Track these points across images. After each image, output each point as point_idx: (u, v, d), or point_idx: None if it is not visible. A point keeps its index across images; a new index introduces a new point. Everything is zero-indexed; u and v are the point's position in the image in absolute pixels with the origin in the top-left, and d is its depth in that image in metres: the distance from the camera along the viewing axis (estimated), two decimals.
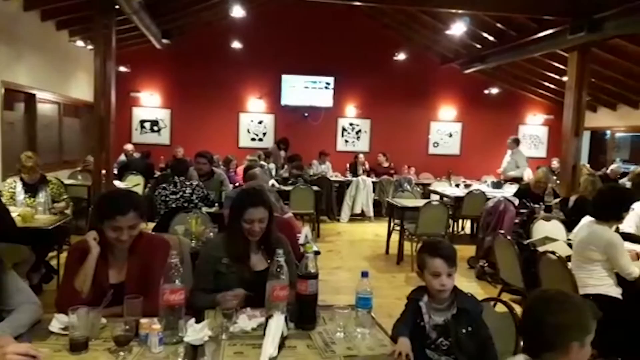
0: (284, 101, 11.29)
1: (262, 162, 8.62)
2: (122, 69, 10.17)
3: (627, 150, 13.45)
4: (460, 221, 8.64)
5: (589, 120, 9.02)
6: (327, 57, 10.95)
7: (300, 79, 11.23)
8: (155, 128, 11.43)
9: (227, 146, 10.71)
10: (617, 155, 12.39)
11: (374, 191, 9.77)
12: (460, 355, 2.02)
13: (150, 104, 11.34)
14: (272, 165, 9.37)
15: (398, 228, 6.82)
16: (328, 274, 5.75)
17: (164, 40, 9.64)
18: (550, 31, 7.26)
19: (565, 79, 7.57)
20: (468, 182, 9.43)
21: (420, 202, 6.82)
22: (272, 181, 7.79)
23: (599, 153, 12.38)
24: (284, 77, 11.17)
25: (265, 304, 2.12)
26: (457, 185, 9.10)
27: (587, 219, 3.59)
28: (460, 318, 2.06)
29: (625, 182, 7.61)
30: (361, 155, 10.90)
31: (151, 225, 4.57)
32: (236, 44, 10.56)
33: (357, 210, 9.64)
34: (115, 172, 8.02)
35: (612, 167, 9.21)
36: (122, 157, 9.73)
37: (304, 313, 2.13)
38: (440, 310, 2.10)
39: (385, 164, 11.00)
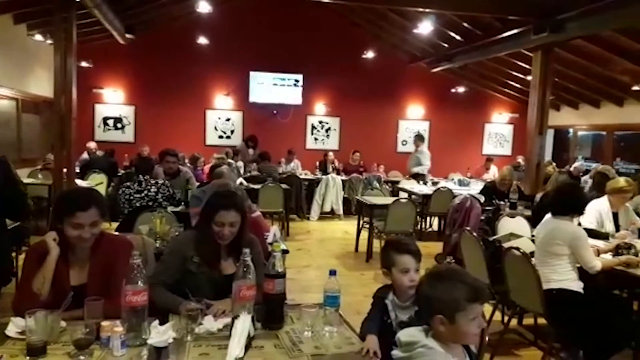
0: (252, 98, 11.19)
1: (230, 160, 8.52)
2: (84, 64, 9.91)
3: (588, 148, 13.85)
4: (428, 218, 8.75)
5: (552, 118, 9.27)
6: (296, 54, 10.91)
7: (268, 76, 11.14)
8: (119, 125, 11.16)
9: (193, 144, 10.55)
10: (580, 153, 12.76)
11: (343, 189, 9.79)
12: None
13: (113, 101, 11.07)
14: (240, 164, 9.27)
15: (367, 226, 6.85)
16: (297, 273, 5.73)
17: (128, 36, 9.41)
18: (515, 31, 7.40)
19: (529, 78, 7.74)
20: (436, 179, 9.55)
21: (389, 200, 6.86)
22: (240, 179, 7.71)
23: (562, 151, 12.73)
24: (252, 73, 11.07)
25: (232, 304, 2.09)
26: (425, 183, 9.21)
27: (550, 215, 3.67)
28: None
29: (587, 179, 7.84)
30: (331, 153, 10.90)
31: (115, 225, 4.46)
32: (203, 40, 10.42)
33: (327, 209, 9.64)
34: (77, 170, 7.82)
35: (575, 164, 9.47)
36: (85, 155, 9.49)
37: (271, 312, 2.12)
38: (406, 308, 2.12)
39: (356, 162, 11.04)
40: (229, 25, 10.51)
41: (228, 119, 11.52)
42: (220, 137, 11.49)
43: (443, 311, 1.63)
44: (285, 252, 3.53)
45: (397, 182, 10.04)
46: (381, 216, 6.60)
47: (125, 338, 1.81)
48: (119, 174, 8.66)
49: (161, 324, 1.83)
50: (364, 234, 6.95)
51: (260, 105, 11.25)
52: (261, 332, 2.04)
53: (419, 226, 8.20)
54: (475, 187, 8.06)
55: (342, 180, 9.85)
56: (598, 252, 3.62)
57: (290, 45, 10.82)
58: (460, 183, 9.14)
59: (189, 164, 8.09)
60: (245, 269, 2.07)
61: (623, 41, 7.17)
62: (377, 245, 6.66)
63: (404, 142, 12.41)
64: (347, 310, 2.60)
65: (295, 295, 4.60)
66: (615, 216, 4.58)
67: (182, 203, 5.03)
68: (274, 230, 3.55)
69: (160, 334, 1.73)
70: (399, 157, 12.11)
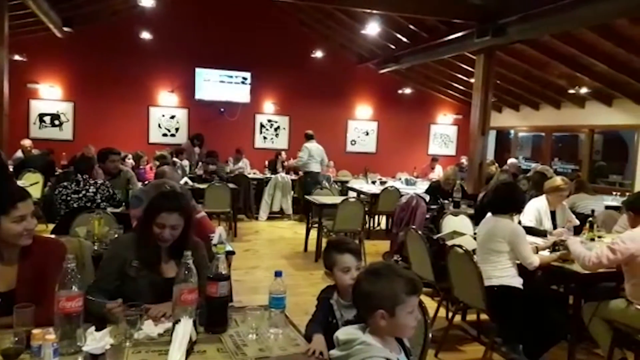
0: (198, 95, 10.97)
1: (175, 159, 8.31)
2: (17, 58, 9.36)
3: (529, 148, 14.46)
4: (376, 217, 8.86)
5: (494, 120, 9.61)
6: (244, 51, 10.77)
7: (215, 72, 10.95)
8: (57, 122, 10.65)
9: (136, 142, 10.20)
10: (520, 153, 13.29)
11: (293, 189, 9.76)
12: None
13: (50, 97, 10.55)
14: (185, 162, 9.06)
15: (316, 225, 6.85)
16: (245, 274, 5.66)
17: (66, 29, 9.00)
18: (458, 34, 7.62)
19: (472, 80, 7.98)
20: (384, 179, 9.69)
21: (338, 199, 6.89)
22: (185, 179, 7.52)
23: (504, 151, 13.21)
24: (198, 70, 10.85)
25: (172, 308, 2.04)
26: (374, 183, 9.33)
27: (490, 214, 3.79)
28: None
29: (520, 178, 8.15)
30: (283, 153, 10.85)
31: (52, 227, 4.23)
32: (146, 35, 10.11)
33: (276, 209, 9.58)
34: (11, 169, 7.38)
35: (509, 162, 9.88)
36: (19, 154, 8.96)
37: (215, 316, 2.06)
38: (351, 307, 2.11)
39: None
40: (174, 20, 10.25)
41: (173, 117, 11.24)
42: (165, 135, 11.19)
43: (384, 305, 1.66)
44: (230, 253, 3.46)
45: (347, 182, 10.13)
46: (330, 216, 6.61)
47: (58, 346, 1.72)
48: (56, 174, 8.25)
49: (98, 330, 1.75)
50: (313, 234, 6.94)
51: (207, 102, 11.04)
52: (204, 337, 1.99)
53: (367, 225, 8.29)
54: (421, 187, 8.23)
55: (292, 180, 9.81)
56: (537, 249, 3.75)
57: (238, 43, 10.68)
58: (407, 182, 9.32)
59: (132, 161, 7.80)
60: (186, 272, 2.02)
61: (559, 46, 7.51)
62: (326, 243, 6.66)
63: (353, 142, 12.53)
64: (296, 310, 2.57)
65: (243, 296, 4.54)
66: (553, 214, 4.79)
67: (123, 204, 4.84)
68: (219, 231, 3.46)
69: (96, 340, 1.67)
70: (348, 156, 12.23)
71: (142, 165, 8.08)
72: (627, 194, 6.09)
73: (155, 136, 11.11)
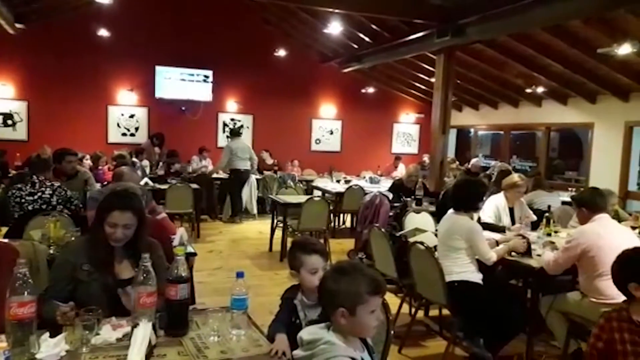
0: (159, 94, 10.74)
1: (134, 159, 8.11)
2: None
3: (488, 146, 14.82)
4: (341, 215, 8.90)
5: (455, 119, 9.81)
6: (205, 49, 10.61)
7: (176, 71, 10.75)
8: (10, 122, 10.23)
9: (94, 142, 9.88)
10: (480, 151, 13.61)
11: (257, 188, 9.69)
12: None
13: (2, 96, 10.13)
14: (145, 162, 8.87)
15: (281, 225, 6.82)
16: (208, 275, 5.59)
17: (18, 25, 8.65)
18: (419, 34, 7.72)
19: (434, 80, 8.10)
20: (348, 177, 9.75)
21: (303, 198, 6.89)
22: (145, 179, 7.37)
23: (465, 149, 13.50)
24: (158, 68, 10.62)
25: (131, 311, 2.00)
26: (338, 181, 9.37)
27: (451, 211, 3.86)
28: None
29: (481, 176, 8.34)
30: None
31: (4, 230, 4.06)
32: (104, 32, 9.83)
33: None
34: None
35: (472, 161, 10.09)
36: None
37: (175, 319, 2.03)
38: (315, 306, 2.11)
39: (270, 161, 10.98)
40: (133, 17, 10.00)
41: (132, 116, 10.97)
42: (124, 134, 10.91)
43: (345, 304, 1.67)
44: (191, 255, 3.41)
45: (312, 181, 10.13)
46: (295, 215, 6.60)
47: (10, 354, 1.66)
48: (10, 175, 7.93)
49: (53, 336, 1.72)
50: (278, 233, 6.91)
51: (168, 101, 10.83)
52: (164, 340, 1.95)
53: (332, 223, 8.32)
54: (385, 185, 8.31)
55: (256, 179, 9.75)
56: (496, 243, 3.85)
57: (200, 40, 10.51)
58: (372, 181, 9.40)
59: (90, 162, 7.58)
60: (145, 275, 1.98)
61: (517, 46, 7.72)
62: (291, 244, 6.64)
63: (318, 141, 12.55)
64: (261, 310, 2.56)
65: (207, 298, 4.48)
66: (511, 211, 4.92)
67: (80, 206, 4.70)
68: (180, 232, 3.40)
69: (51, 347, 1.65)
70: (313, 155, 12.24)
71: (101, 166, 7.85)
72: (582, 189, 6.31)
73: (114, 136, 10.82)
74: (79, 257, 2.28)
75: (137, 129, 10.99)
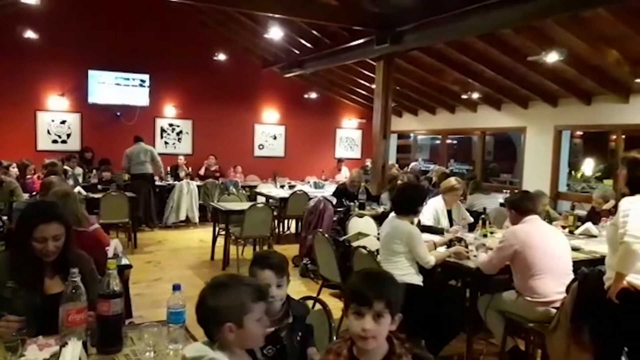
0: (92, 99, 10.27)
1: (66, 167, 7.72)
2: None
3: (427, 150, 15.26)
4: (285, 221, 8.85)
5: (395, 124, 9.99)
6: (142, 52, 10.24)
7: (110, 75, 10.32)
8: None
9: (22, 149, 9.25)
10: (420, 155, 13.99)
11: (199, 195, 9.46)
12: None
13: None
14: (78, 170, 8.46)
15: (223, 232, 6.68)
16: (146, 287, 5.37)
17: None
18: (360, 41, 7.81)
19: (374, 86, 8.21)
20: (293, 183, 9.71)
21: (245, 205, 6.79)
22: (77, 188, 7.02)
23: (405, 154, 13.82)
24: (91, 72, 10.17)
25: (60, 330, 1.87)
26: (282, 187, 9.31)
27: (393, 215, 3.91)
28: (295, 326, 2.09)
29: (422, 179, 8.57)
30: (181, 157, 10.48)
31: None
32: (31, 34, 9.29)
33: (182, 217, 9.23)
34: None
35: (411, 165, 10.35)
36: None
37: (107, 335, 1.93)
38: (273, 322, 2.05)
39: (214, 167, 10.77)
40: (64, 19, 9.53)
41: (63, 122, 10.43)
42: (55, 141, 10.35)
43: (231, 318, 1.62)
44: (126, 267, 3.26)
45: (255, 187, 10.02)
46: (238, 222, 6.49)
47: None
48: None
49: None
50: (221, 241, 6.77)
51: (102, 106, 10.37)
52: (96, 358, 1.86)
53: (277, 230, 8.25)
54: (329, 189, 8.35)
55: (198, 186, 9.52)
56: (435, 246, 3.93)
57: (136, 43, 10.15)
58: (316, 185, 9.43)
59: (16, 172, 7.13)
60: (74, 291, 1.87)
61: (453, 54, 7.96)
62: (233, 252, 6.53)
63: (261, 146, 12.43)
64: None
65: (145, 311, 4.31)
66: (449, 213, 5.05)
67: (5, 218, 4.40)
68: (114, 243, 3.25)
69: None
70: (256, 161, 12.12)
71: (29, 175, 7.40)
72: (516, 191, 6.58)
73: (44, 143, 10.23)
74: (2, 274, 2.13)
75: (69, 135, 10.46)
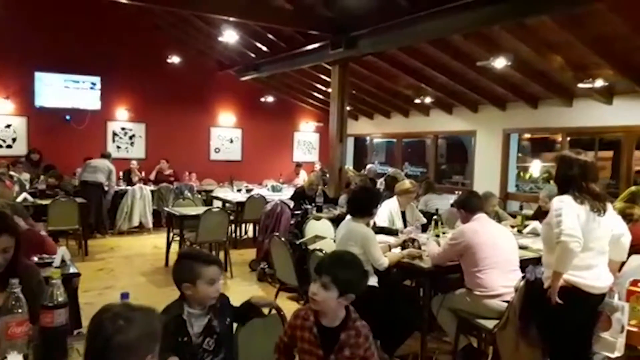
0: (39, 102, 9.89)
1: (12, 173, 7.40)
2: None
3: (383, 153, 15.46)
4: (243, 225, 8.77)
5: (351, 127, 10.07)
6: (92, 54, 9.93)
7: (59, 77, 9.97)
8: None
9: None
10: (376, 158, 14.15)
11: (152, 200, 9.25)
12: (224, 346, 2.12)
13: None
14: (25, 176, 8.11)
15: (178, 238, 6.56)
16: (97, 296, 5.20)
17: None
18: (315, 45, 7.84)
19: (330, 90, 8.27)
20: (250, 186, 9.65)
21: (201, 210, 6.69)
22: (24, 195, 6.74)
23: (362, 157, 13.96)
24: (38, 74, 9.79)
25: None
26: (239, 190, 9.23)
27: (348, 217, 3.94)
28: (224, 310, 2.17)
29: (379, 182, 8.69)
30: (134, 162, 10.23)
31: None
32: None
33: (135, 223, 9.00)
34: None
35: (368, 167, 10.48)
36: None
37: (51, 348, 1.85)
38: (202, 315, 2.12)
39: (168, 171, 10.55)
40: (8, 19, 9.14)
41: (8, 126, 9.99)
42: (0, 146, 9.95)
43: (152, 349, 1.48)
44: (74, 275, 3.15)
45: (211, 191, 9.88)
46: (193, 227, 6.39)
47: None
48: None
49: None
50: (175, 247, 6.64)
51: (50, 109, 9.99)
52: None
53: (234, 234, 8.17)
54: (287, 193, 8.34)
55: (151, 191, 9.31)
56: (389, 247, 3.99)
57: (85, 45, 9.84)
58: (274, 189, 9.39)
59: None
60: (14, 302, 1.79)
61: (406, 59, 8.11)
62: (178, 256, 6.41)
63: (217, 150, 12.29)
64: None
65: None
66: (403, 214, 5.15)
67: None
68: (61, 252, 3.13)
69: None
70: (212, 164, 11.96)
71: None
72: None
73: None
74: None
75: (14, 139, 10.02)
